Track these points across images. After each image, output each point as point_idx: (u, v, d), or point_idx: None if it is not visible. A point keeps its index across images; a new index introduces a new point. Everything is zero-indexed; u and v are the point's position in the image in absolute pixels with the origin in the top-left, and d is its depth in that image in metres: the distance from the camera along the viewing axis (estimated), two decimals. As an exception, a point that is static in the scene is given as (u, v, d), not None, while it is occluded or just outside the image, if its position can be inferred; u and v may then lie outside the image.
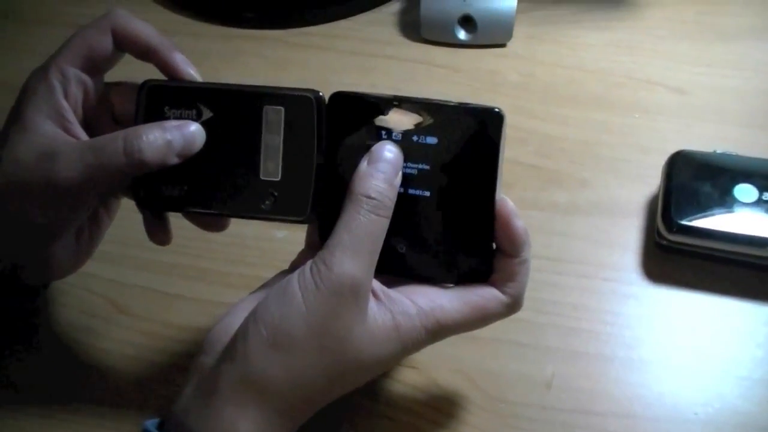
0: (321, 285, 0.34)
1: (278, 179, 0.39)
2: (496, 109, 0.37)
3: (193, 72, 0.41)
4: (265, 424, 0.35)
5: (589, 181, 0.55)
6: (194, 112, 0.39)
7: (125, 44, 0.41)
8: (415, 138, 0.37)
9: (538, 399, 0.44)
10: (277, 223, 0.40)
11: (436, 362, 0.45)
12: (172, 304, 0.49)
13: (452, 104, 0.37)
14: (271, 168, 0.39)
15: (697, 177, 0.49)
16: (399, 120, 0.37)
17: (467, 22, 0.66)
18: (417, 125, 0.37)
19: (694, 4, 0.70)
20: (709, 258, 0.48)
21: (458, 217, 0.38)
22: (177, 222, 0.43)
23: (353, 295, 0.35)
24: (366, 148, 0.37)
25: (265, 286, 0.39)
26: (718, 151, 0.51)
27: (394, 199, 0.37)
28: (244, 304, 0.37)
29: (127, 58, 0.42)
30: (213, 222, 0.42)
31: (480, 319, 0.38)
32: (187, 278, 0.51)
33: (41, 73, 0.40)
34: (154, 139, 0.37)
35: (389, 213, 0.36)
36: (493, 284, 0.38)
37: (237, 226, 0.43)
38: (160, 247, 0.43)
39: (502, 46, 0.67)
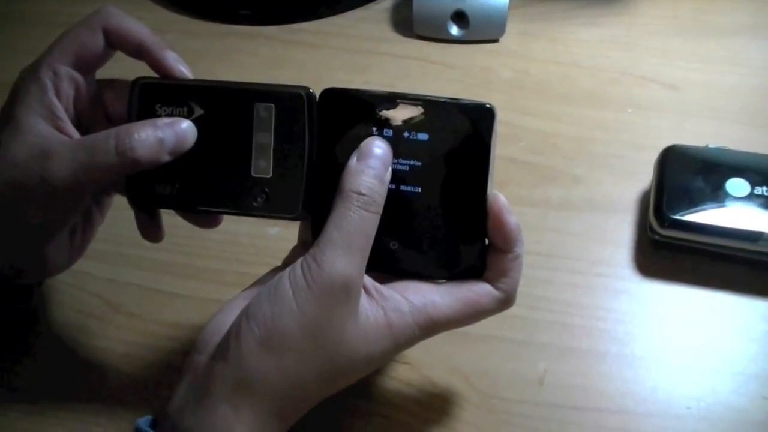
0: (312, 283, 0.34)
1: (269, 176, 0.39)
2: (488, 105, 0.37)
3: (184, 70, 0.41)
4: (259, 424, 0.35)
5: (582, 178, 0.55)
6: (186, 109, 0.39)
7: (116, 42, 0.40)
8: (406, 134, 0.37)
9: (531, 395, 0.44)
10: (269, 220, 0.40)
11: (430, 359, 0.45)
12: (166, 302, 0.49)
13: (443, 100, 0.37)
14: (263, 165, 0.39)
15: (689, 171, 0.49)
16: (390, 116, 0.37)
17: (460, 17, 0.66)
18: (408, 121, 0.37)
19: (687, 0, 0.70)
20: (702, 253, 0.48)
21: (450, 213, 0.38)
22: (171, 220, 0.43)
23: (345, 293, 0.34)
24: (357, 145, 0.37)
25: (257, 283, 0.39)
26: (711, 146, 0.51)
27: (384, 195, 0.36)
28: (237, 301, 0.37)
29: (119, 56, 0.42)
30: (206, 219, 0.42)
31: (473, 315, 0.38)
32: (181, 276, 0.51)
33: (32, 71, 0.39)
34: (146, 137, 0.37)
35: (380, 209, 0.36)
36: (486, 280, 0.38)
37: (230, 223, 0.43)
38: (154, 246, 0.43)
39: (495, 41, 0.67)
